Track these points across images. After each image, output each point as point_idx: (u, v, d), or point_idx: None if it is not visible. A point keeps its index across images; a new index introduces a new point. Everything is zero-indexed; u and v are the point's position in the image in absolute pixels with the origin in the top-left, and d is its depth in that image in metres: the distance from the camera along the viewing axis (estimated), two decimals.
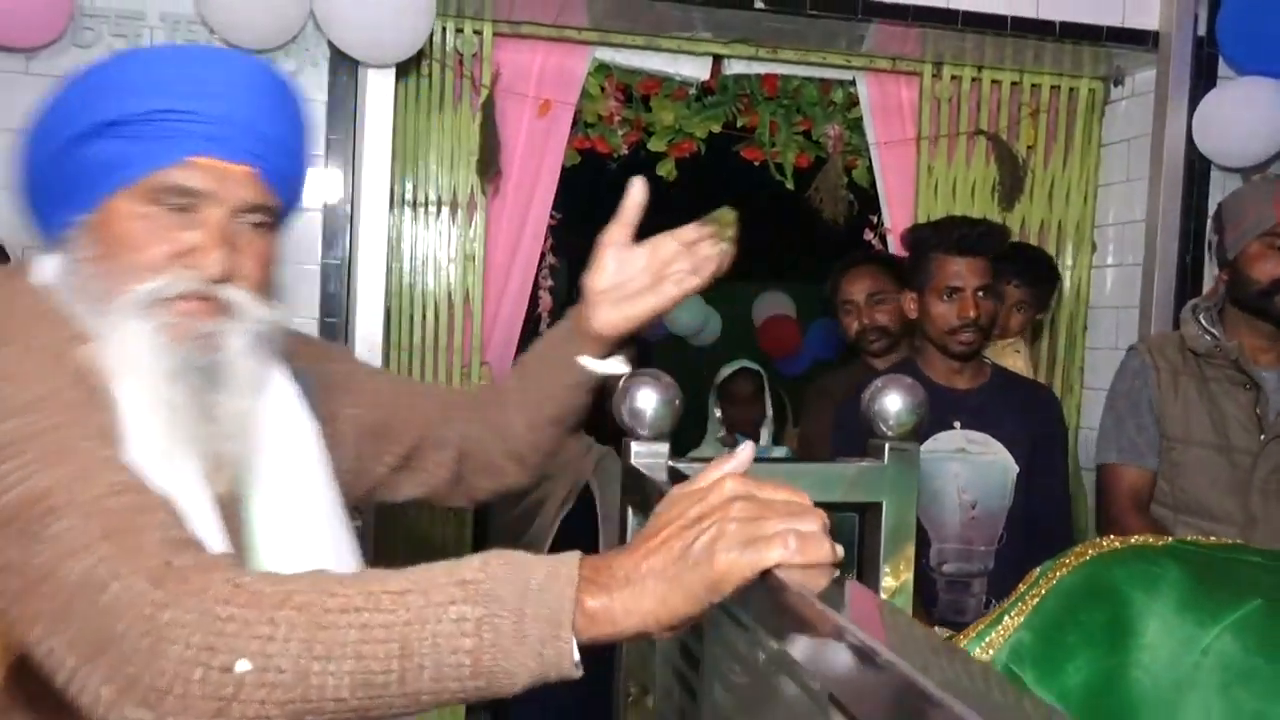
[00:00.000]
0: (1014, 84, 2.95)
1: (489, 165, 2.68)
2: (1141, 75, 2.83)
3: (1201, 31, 2.65)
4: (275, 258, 1.07)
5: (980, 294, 2.20)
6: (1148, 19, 2.67)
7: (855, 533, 1.18)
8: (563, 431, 1.29)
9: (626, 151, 2.98)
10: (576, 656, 0.70)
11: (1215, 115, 2.60)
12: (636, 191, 1.17)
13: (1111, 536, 1.10)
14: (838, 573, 0.69)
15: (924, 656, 0.52)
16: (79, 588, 0.75)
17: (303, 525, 1.05)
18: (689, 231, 1.18)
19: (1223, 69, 2.69)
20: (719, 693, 0.94)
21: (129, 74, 0.99)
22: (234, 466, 1.01)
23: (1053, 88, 2.97)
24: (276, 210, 1.05)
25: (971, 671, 0.53)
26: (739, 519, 0.69)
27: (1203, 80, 2.66)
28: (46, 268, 1.01)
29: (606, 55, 2.84)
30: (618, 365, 1.22)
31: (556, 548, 1.68)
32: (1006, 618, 1.06)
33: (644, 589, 0.70)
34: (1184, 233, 2.66)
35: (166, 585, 0.73)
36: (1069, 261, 3.01)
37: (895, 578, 1.17)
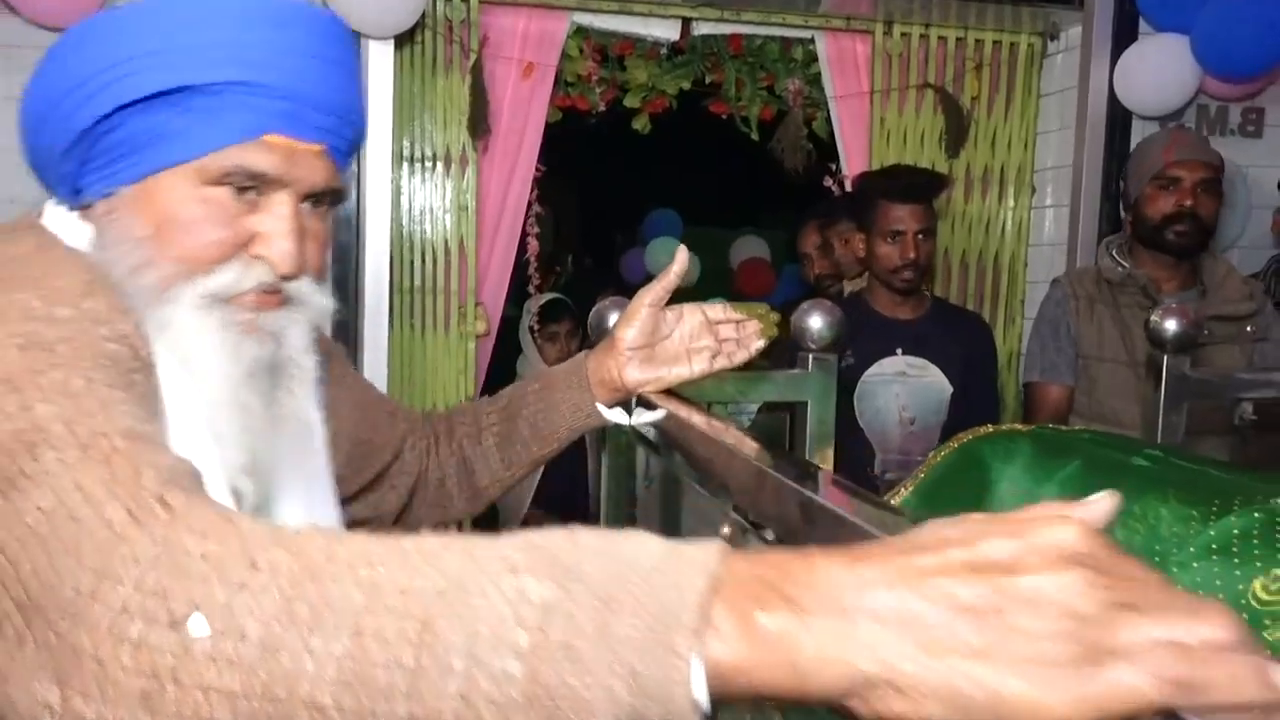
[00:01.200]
0: (959, 40, 3.22)
1: (479, 124, 2.94)
2: (1072, 31, 3.10)
3: None
4: (331, 239, 0.96)
5: (920, 236, 2.48)
6: None
7: (787, 430, 1.47)
8: (531, 470, 1.26)
9: (604, 108, 3.24)
10: (701, 693, 0.42)
11: (1134, 69, 2.88)
12: (680, 261, 1.15)
13: (989, 425, 1.41)
14: None
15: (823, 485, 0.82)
16: (43, 518, 0.56)
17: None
18: (717, 311, 1.18)
19: (1143, 27, 2.97)
20: None
21: (194, 31, 0.82)
22: (268, 470, 0.88)
23: (994, 43, 3.24)
24: (343, 192, 0.93)
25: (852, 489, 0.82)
26: (1094, 605, 0.39)
27: (1124, 37, 2.94)
28: (71, 230, 0.86)
29: (584, 19, 3.09)
30: (621, 415, 1.19)
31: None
32: (902, 488, 1.37)
33: (868, 631, 0.41)
34: (1107, 176, 2.95)
35: (144, 518, 0.54)
36: (1011, 203, 3.30)
37: (822, 463, 1.47)
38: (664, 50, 3.22)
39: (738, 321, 1.19)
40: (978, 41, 3.23)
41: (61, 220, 0.88)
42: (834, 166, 3.33)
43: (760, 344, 1.18)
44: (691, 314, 1.18)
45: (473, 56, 2.94)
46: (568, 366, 1.21)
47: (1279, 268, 2.72)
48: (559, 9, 3.04)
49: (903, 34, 3.19)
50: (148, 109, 0.83)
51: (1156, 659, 0.37)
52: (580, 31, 3.13)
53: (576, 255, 6.93)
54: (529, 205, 3.14)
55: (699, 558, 0.45)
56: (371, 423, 1.18)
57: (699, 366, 1.16)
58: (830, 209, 3.09)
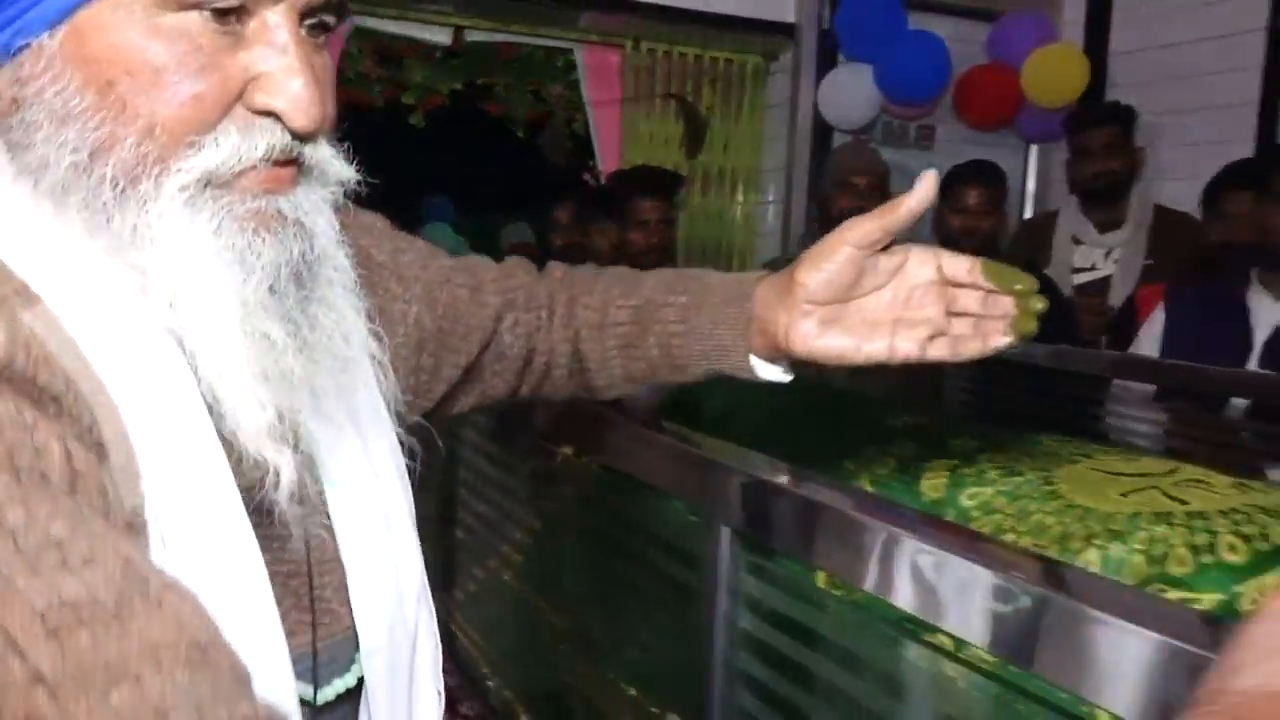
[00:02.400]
0: (697, 57, 3.75)
1: None
2: (786, 56, 3.70)
3: (826, 26, 3.54)
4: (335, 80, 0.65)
5: (662, 226, 2.97)
6: (787, 14, 3.53)
7: None
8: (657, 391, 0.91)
9: (383, 104, 3.56)
10: None
11: (832, 90, 3.50)
12: (925, 187, 0.75)
13: None
14: None
15: None
16: None
17: (373, 488, 0.70)
18: (960, 266, 0.77)
19: (842, 56, 3.59)
20: None
21: None
22: (301, 424, 0.63)
23: (727, 61, 3.79)
24: (346, 6, 0.63)
25: None
26: None
27: (826, 63, 3.55)
28: None
29: (364, 22, 3.39)
30: (780, 375, 0.86)
31: None
32: None
33: None
34: (812, 178, 3.56)
35: None
36: (741, 199, 3.88)
37: None
38: (439, 54, 3.56)
39: (987, 291, 0.77)
40: (713, 59, 3.77)
41: None
42: (591, 163, 3.79)
43: (1006, 340, 0.76)
44: (921, 262, 0.78)
45: None
46: (732, 287, 0.86)
47: None
48: None
49: (649, 50, 3.68)
50: None
51: None
52: (361, 33, 3.42)
53: None
54: None
55: None
56: (445, 308, 0.87)
57: (905, 347, 0.77)
58: (584, 204, 3.55)
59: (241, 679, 0.44)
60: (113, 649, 0.41)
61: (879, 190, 2.88)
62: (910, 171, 3.60)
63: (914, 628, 0.86)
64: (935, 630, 0.81)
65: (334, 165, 0.62)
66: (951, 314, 0.78)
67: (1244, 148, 3.10)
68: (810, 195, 3.55)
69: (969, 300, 0.77)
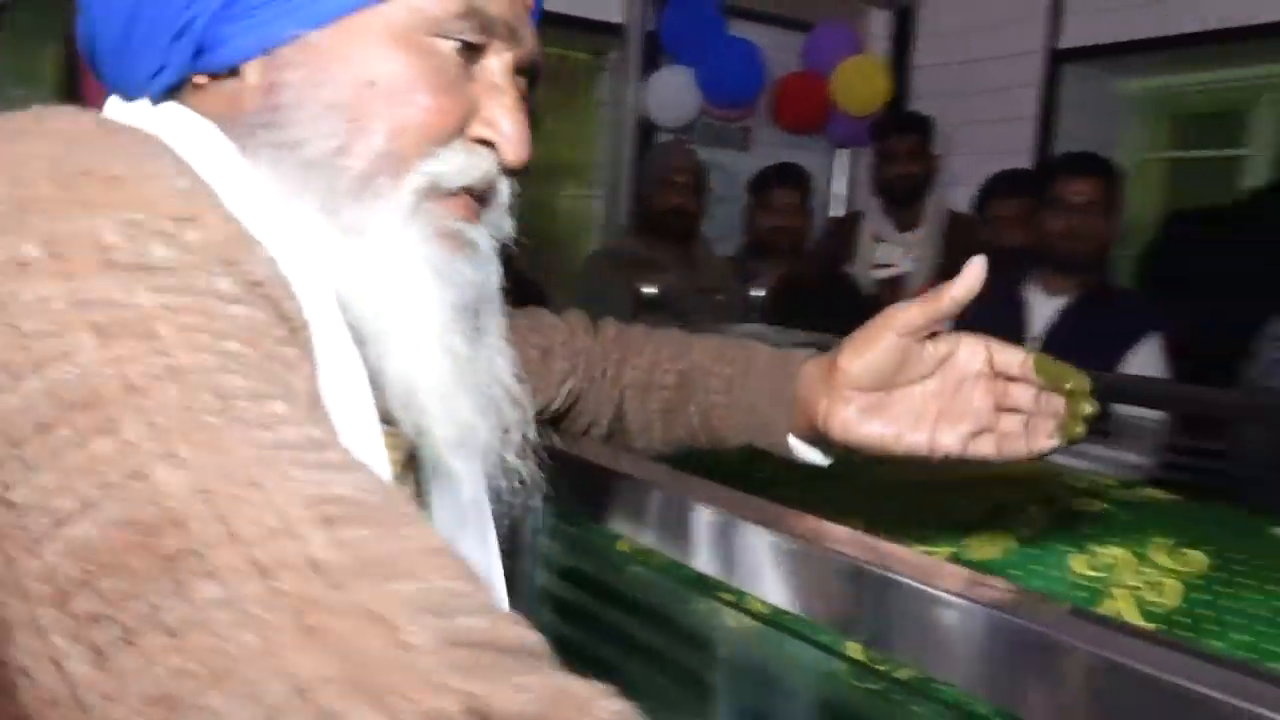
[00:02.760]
0: None
1: None
2: (614, 55, 3.81)
3: (651, 28, 3.66)
4: None
5: None
6: (615, 15, 3.64)
7: None
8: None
9: None
10: None
11: (656, 90, 3.64)
12: (972, 273, 0.72)
13: None
14: None
15: None
16: None
17: (470, 534, 0.71)
18: (1013, 359, 0.73)
19: (665, 57, 3.73)
20: None
21: None
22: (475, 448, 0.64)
23: (560, 57, 3.87)
24: (540, 73, 0.67)
25: None
26: None
27: (651, 64, 3.68)
28: (169, 122, 0.58)
29: None
30: (819, 458, 0.84)
31: None
32: None
33: None
34: (635, 174, 3.69)
35: None
36: (571, 191, 3.97)
37: None
38: None
39: (1040, 388, 0.73)
40: (546, 54, 3.82)
41: (139, 115, 0.59)
42: None
43: (1053, 444, 0.72)
44: (972, 352, 0.74)
45: None
46: (778, 364, 0.85)
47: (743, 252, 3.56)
48: None
49: None
50: None
51: None
52: None
53: None
54: None
55: None
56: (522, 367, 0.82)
57: (947, 442, 0.74)
58: None
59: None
60: (387, 547, 0.38)
61: (695, 188, 3.02)
62: (728, 171, 3.78)
63: (700, 582, 0.95)
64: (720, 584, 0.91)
65: (505, 216, 0.65)
66: (1001, 409, 0.74)
67: (1024, 158, 3.41)
68: (632, 190, 3.68)
69: (1021, 396, 0.73)
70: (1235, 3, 3.02)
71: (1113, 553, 0.89)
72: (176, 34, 0.56)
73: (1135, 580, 0.87)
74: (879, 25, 4.05)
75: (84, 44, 0.61)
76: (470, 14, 0.59)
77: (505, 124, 0.61)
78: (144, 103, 0.59)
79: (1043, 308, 2.47)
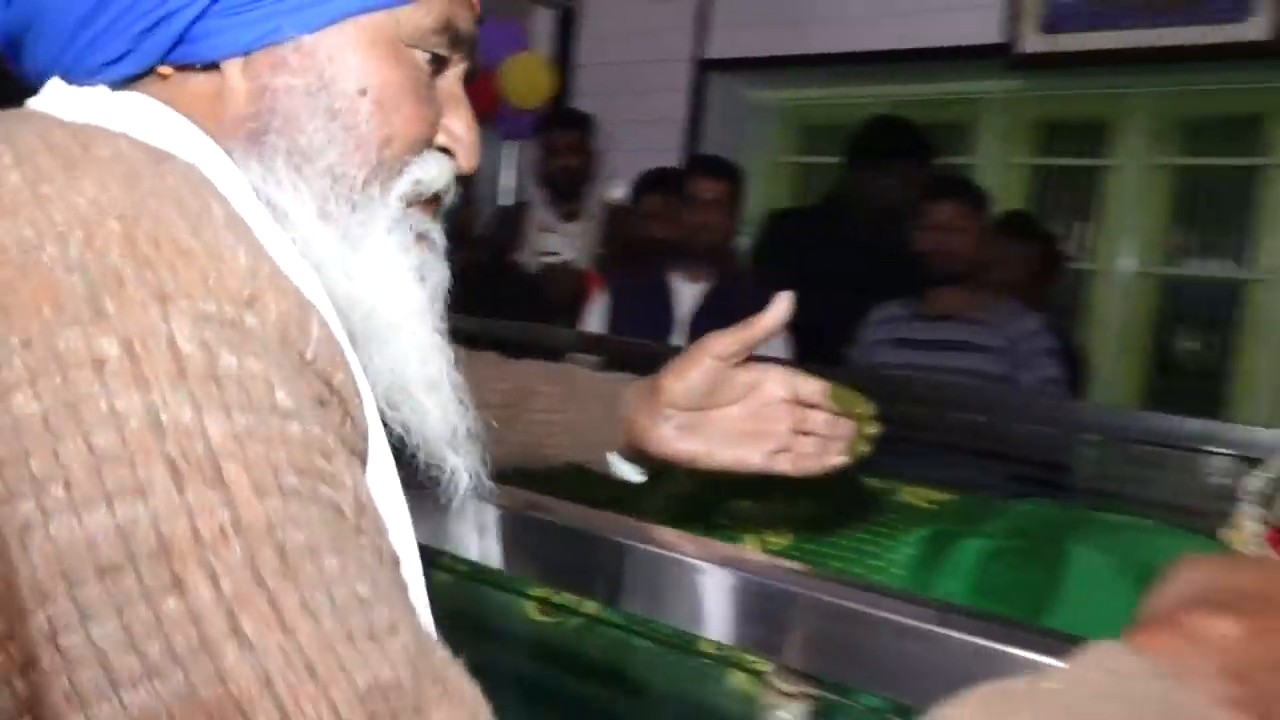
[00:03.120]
0: None
1: None
2: None
3: None
4: None
5: None
6: None
7: None
8: None
9: None
10: None
11: None
12: (779, 308, 0.81)
13: None
14: None
15: None
16: None
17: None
18: (812, 389, 0.82)
19: None
20: None
21: None
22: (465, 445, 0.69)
23: None
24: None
25: None
26: None
27: None
28: (144, 117, 0.54)
29: None
30: (636, 475, 0.89)
31: None
32: None
33: None
34: None
35: None
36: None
37: None
38: None
39: (834, 413, 0.82)
40: None
41: (92, 104, 0.55)
42: None
43: (842, 460, 0.82)
44: (776, 382, 0.82)
45: None
46: (600, 385, 0.89)
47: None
48: None
49: None
50: None
51: None
52: None
53: None
54: None
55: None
56: None
57: (755, 460, 0.82)
58: None
59: None
60: None
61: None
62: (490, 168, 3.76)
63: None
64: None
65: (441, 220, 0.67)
66: (799, 432, 0.82)
67: (673, 157, 3.71)
68: None
69: (817, 421, 0.82)
70: (861, 30, 3.47)
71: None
72: (156, 21, 0.54)
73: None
74: (544, 24, 4.22)
75: (10, 19, 0.57)
76: (446, 28, 0.61)
77: (465, 134, 0.64)
78: (100, 90, 0.56)
79: (685, 293, 2.74)
